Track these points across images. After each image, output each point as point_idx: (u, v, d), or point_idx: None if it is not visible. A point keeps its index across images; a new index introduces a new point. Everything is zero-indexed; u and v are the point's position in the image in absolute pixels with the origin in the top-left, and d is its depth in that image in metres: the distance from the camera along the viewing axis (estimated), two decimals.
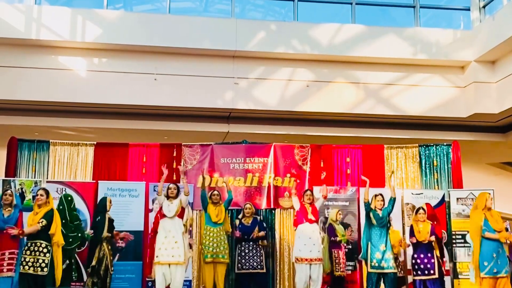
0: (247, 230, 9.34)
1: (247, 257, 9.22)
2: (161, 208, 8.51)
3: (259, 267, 9.24)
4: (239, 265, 9.22)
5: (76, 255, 9.15)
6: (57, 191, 9.48)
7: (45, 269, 7.25)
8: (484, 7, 12.81)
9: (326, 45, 12.10)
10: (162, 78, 11.72)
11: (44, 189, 7.73)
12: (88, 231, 8.70)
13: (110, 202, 8.84)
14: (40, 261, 7.23)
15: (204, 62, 11.93)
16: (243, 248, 9.28)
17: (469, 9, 13.03)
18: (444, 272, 9.04)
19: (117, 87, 11.61)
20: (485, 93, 12.13)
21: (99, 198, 9.65)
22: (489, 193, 8.31)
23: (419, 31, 12.55)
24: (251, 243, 9.30)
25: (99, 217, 8.75)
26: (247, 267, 9.17)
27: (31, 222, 7.38)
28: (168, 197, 8.53)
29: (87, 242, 9.30)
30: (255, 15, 13.78)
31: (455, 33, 12.52)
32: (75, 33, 11.43)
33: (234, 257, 9.32)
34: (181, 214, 8.41)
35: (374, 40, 12.17)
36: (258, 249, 9.35)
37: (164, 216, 8.36)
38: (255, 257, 9.26)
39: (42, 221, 7.27)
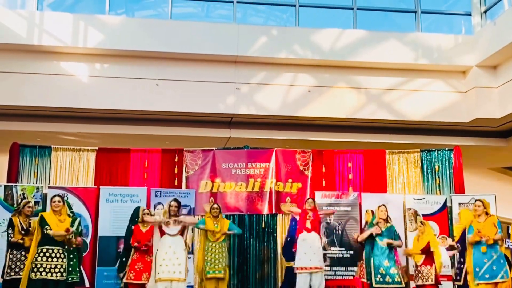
0: None
1: None
2: (161, 226, 8.00)
3: None
4: None
5: None
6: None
7: (64, 274, 7.29)
8: (485, 12, 12.82)
9: (327, 50, 12.11)
10: (163, 84, 11.74)
11: (59, 195, 7.79)
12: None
13: (143, 212, 8.92)
14: (59, 266, 7.24)
15: (206, 67, 11.94)
16: None
17: (470, 14, 13.04)
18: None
19: (118, 92, 11.62)
20: (486, 98, 12.12)
21: (100, 204, 9.70)
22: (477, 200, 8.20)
23: (420, 36, 12.56)
24: None
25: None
26: None
27: (56, 227, 7.35)
28: (169, 215, 8.00)
29: (88, 247, 9.37)
30: (257, 20, 13.81)
31: (456, 38, 12.53)
32: (77, 38, 11.45)
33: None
34: (181, 233, 8.22)
35: (375, 45, 12.18)
36: None
37: (164, 233, 7.99)
38: None
39: (72, 233, 7.42)
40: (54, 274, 7.19)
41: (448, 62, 12.33)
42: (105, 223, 9.49)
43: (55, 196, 7.73)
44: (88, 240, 9.58)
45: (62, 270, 7.27)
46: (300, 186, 10.65)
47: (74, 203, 9.56)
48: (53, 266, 7.21)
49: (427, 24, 13.24)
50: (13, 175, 10.12)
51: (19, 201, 9.21)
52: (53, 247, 7.30)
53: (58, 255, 7.30)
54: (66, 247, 7.44)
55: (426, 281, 8.69)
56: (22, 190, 9.51)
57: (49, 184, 10.13)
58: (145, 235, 8.69)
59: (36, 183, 10.09)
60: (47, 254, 7.25)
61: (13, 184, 9.68)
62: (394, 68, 12.37)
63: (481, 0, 12.90)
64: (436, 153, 10.96)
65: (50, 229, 7.27)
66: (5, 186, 9.55)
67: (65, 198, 9.15)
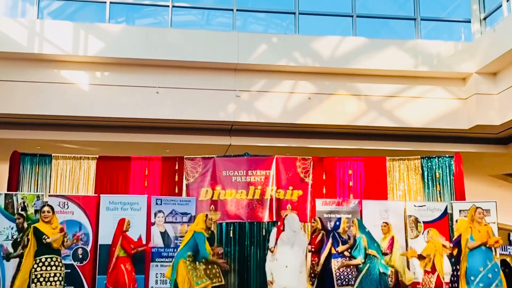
0: None
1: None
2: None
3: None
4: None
5: (78, 268, 9.19)
6: (59, 205, 9.50)
7: (62, 283, 7.30)
8: (484, 19, 12.85)
9: (327, 58, 12.13)
10: (164, 91, 11.75)
11: (49, 205, 7.73)
12: None
13: (211, 220, 9.06)
14: (58, 275, 7.25)
15: (206, 75, 11.96)
16: None
17: (469, 21, 13.08)
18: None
19: (119, 100, 11.64)
20: (486, 105, 12.12)
21: (101, 212, 9.68)
22: (478, 207, 8.28)
23: (420, 43, 12.58)
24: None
25: None
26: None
27: (51, 235, 7.35)
28: None
29: (89, 256, 9.36)
30: (257, 28, 13.84)
31: (456, 45, 12.55)
32: (77, 47, 11.48)
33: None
34: None
35: (375, 52, 12.20)
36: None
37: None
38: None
39: (65, 234, 7.41)
40: (53, 283, 7.17)
41: (448, 69, 12.34)
42: (105, 232, 9.45)
43: (44, 206, 7.71)
44: (88, 249, 9.57)
45: (60, 278, 7.28)
46: (300, 193, 10.64)
47: (74, 211, 9.61)
48: (52, 275, 7.21)
49: (427, 31, 13.26)
50: (14, 183, 10.12)
51: (19, 209, 9.23)
52: (52, 256, 7.31)
53: (56, 263, 7.30)
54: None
55: None
56: (22, 198, 9.49)
57: (49, 192, 10.12)
58: (136, 243, 8.91)
59: (37, 191, 10.08)
60: (46, 263, 7.25)
61: (14, 193, 9.67)
62: (394, 75, 12.38)
63: (480, 7, 12.94)
64: (436, 160, 10.95)
65: (48, 237, 7.26)
66: (5, 194, 9.54)
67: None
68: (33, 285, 7.15)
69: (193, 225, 8.58)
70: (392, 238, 9.46)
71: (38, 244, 7.32)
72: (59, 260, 7.37)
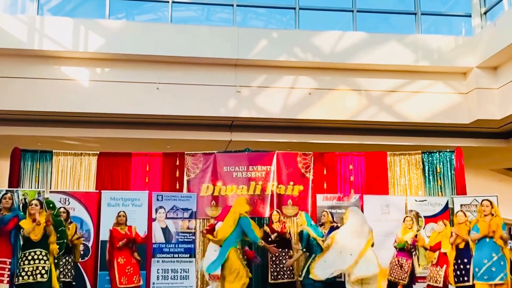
0: None
1: None
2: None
3: None
4: None
5: (79, 264, 9.19)
6: (60, 201, 9.51)
7: (45, 276, 7.23)
8: (485, 13, 12.83)
9: (328, 53, 12.11)
10: (164, 87, 11.74)
11: (38, 199, 7.73)
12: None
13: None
14: (40, 268, 7.21)
15: (206, 71, 11.94)
16: None
17: (470, 16, 13.05)
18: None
19: (119, 96, 11.62)
20: (487, 99, 12.11)
21: (102, 208, 9.69)
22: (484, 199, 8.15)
23: (420, 37, 12.56)
24: None
25: None
26: None
27: (31, 228, 7.30)
28: None
29: (90, 252, 9.36)
30: (257, 23, 13.81)
31: (456, 39, 12.52)
32: (77, 43, 11.46)
33: None
34: None
35: (375, 47, 12.17)
36: None
37: None
38: None
39: (49, 225, 7.32)
40: (36, 276, 7.16)
41: (449, 64, 12.32)
42: (106, 228, 9.43)
43: (33, 200, 7.75)
44: (89, 245, 9.58)
45: (43, 271, 7.22)
46: (301, 188, 10.64)
47: (75, 208, 9.61)
48: (35, 268, 7.20)
49: (427, 26, 13.24)
50: (15, 180, 10.13)
51: (21, 206, 9.22)
52: (35, 249, 7.28)
53: (40, 257, 7.27)
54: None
55: (435, 282, 8.67)
56: (23, 195, 9.50)
57: (50, 188, 10.13)
58: (124, 236, 8.74)
59: (38, 188, 10.08)
60: (29, 258, 7.25)
61: (15, 189, 9.66)
62: (394, 70, 12.37)
63: (481, 1, 12.91)
64: (437, 155, 10.95)
65: (24, 230, 7.31)
66: (6, 191, 9.53)
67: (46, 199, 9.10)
68: (18, 278, 7.19)
69: (237, 208, 7.86)
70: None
71: (23, 239, 7.41)
72: (43, 253, 7.29)
